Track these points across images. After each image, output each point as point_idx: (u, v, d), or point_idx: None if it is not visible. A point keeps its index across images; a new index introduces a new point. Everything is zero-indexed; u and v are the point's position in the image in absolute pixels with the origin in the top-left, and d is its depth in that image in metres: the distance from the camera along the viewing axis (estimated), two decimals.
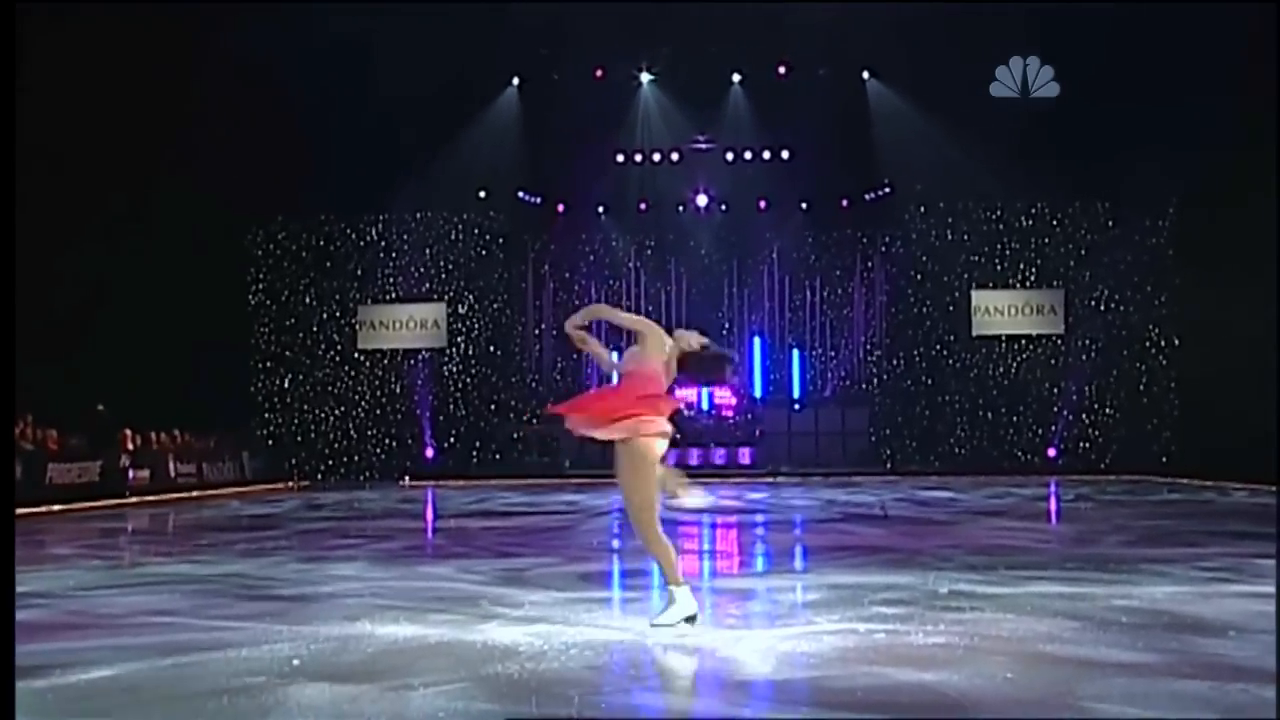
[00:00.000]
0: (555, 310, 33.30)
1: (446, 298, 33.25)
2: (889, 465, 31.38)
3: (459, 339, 33.25)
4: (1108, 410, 31.84)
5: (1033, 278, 32.66)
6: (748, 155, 32.16)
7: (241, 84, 26.10)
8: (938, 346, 32.79)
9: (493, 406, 33.05)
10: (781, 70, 30.82)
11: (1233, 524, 15.66)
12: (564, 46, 29.60)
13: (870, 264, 33.93)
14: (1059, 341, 32.46)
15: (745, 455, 31.88)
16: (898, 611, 8.12)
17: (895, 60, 29.92)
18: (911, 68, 29.45)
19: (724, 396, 32.46)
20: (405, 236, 33.08)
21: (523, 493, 24.02)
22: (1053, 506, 20.39)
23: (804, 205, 33.16)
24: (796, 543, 14.41)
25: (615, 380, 7.73)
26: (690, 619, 7.38)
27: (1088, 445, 31.70)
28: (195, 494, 25.00)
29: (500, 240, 33.32)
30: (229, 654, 6.87)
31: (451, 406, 32.97)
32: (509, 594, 9.16)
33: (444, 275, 33.21)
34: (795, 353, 33.90)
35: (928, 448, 32.21)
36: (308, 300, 32.99)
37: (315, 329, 33.02)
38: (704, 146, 32.38)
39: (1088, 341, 32.06)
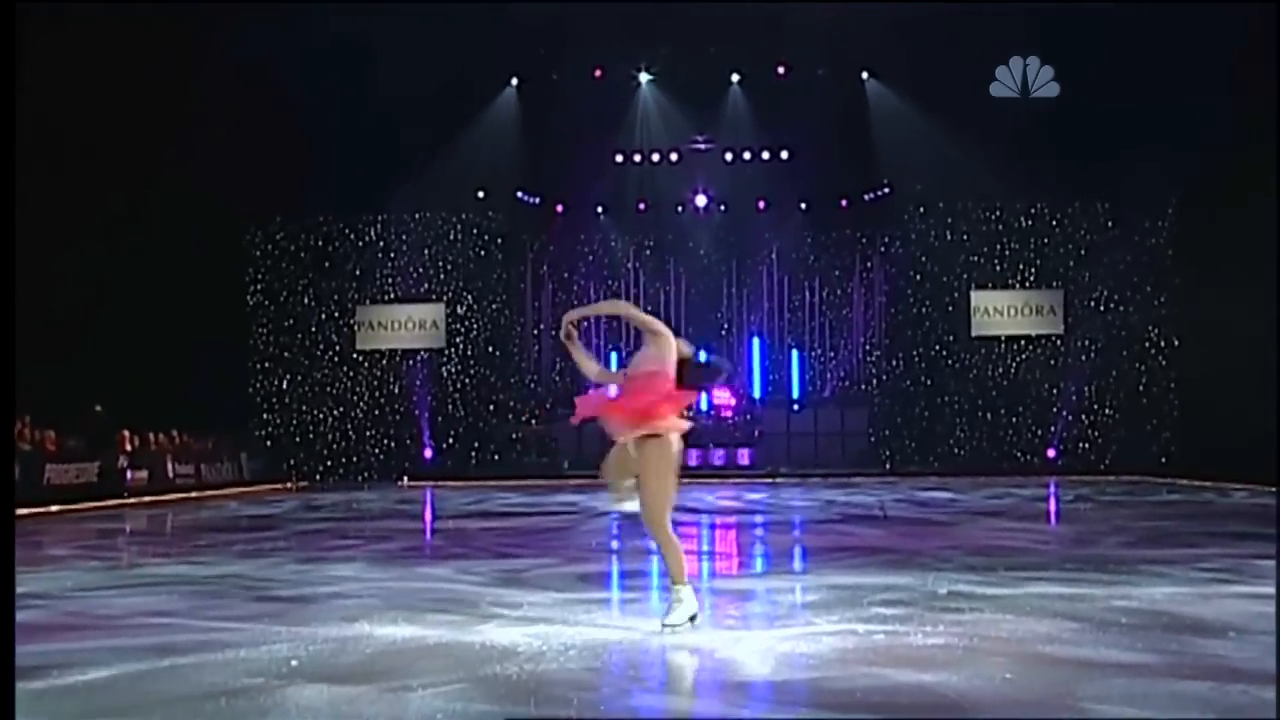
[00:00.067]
0: (554, 311, 33.29)
1: (445, 298, 33.22)
2: (888, 466, 31.36)
3: (458, 339, 33.23)
4: (1107, 411, 31.83)
5: (1032, 278, 32.65)
6: (747, 155, 32.16)
7: (240, 84, 26.09)
8: (937, 347, 32.77)
9: (491, 407, 33.03)
10: (781, 70, 30.82)
11: (1232, 525, 15.66)
12: (563, 46, 29.59)
13: (869, 264, 33.94)
14: (1058, 342, 32.45)
15: (744, 456, 31.85)
16: (897, 612, 8.11)
17: (895, 60, 29.92)
18: (911, 68, 29.44)
19: (723, 397, 32.44)
20: (404, 237, 33.05)
21: (521, 493, 24.00)
22: (1052, 507, 20.38)
23: (803, 205, 33.17)
24: (795, 543, 14.40)
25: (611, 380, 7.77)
26: (692, 618, 7.42)
27: (1087, 446, 31.68)
28: (193, 495, 24.99)
29: (499, 240, 33.29)
30: (227, 655, 6.87)
31: (450, 407, 32.94)
32: (508, 595, 9.16)
33: (443, 276, 33.18)
34: (794, 353, 33.91)
35: (927, 448, 32.19)
36: (306, 301, 32.97)
37: (314, 329, 33.00)
38: (703, 147, 32.37)
39: (1087, 342, 32.04)
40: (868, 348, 33.79)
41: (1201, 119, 25.42)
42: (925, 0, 26.88)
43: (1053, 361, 32.31)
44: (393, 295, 33.19)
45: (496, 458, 32.31)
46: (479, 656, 6.75)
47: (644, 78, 31.81)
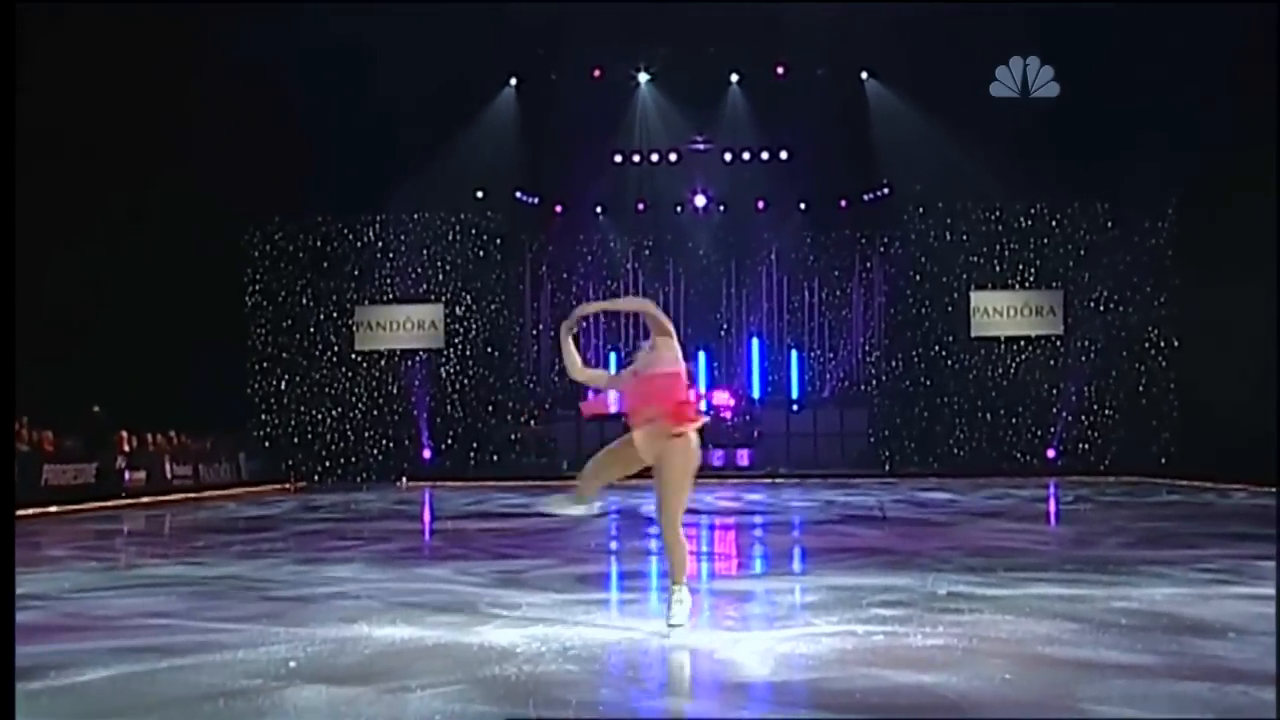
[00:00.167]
0: (553, 311, 33.32)
1: (444, 298, 33.20)
2: (887, 466, 31.35)
3: (456, 340, 33.21)
4: (1107, 411, 31.81)
5: (1032, 279, 32.63)
6: (746, 156, 32.15)
7: (239, 84, 26.07)
8: (936, 347, 32.75)
9: (490, 408, 33.01)
10: (780, 70, 30.80)
11: (1232, 525, 15.65)
12: (562, 46, 29.58)
13: (869, 265, 33.94)
14: (1058, 342, 32.43)
15: (743, 456, 31.84)
16: (896, 613, 8.11)
17: (894, 60, 29.91)
18: (911, 68, 29.43)
19: (722, 398, 32.43)
20: (402, 237, 33.02)
21: (520, 494, 23.97)
22: (1052, 508, 20.37)
23: (802, 206, 33.17)
24: (795, 544, 14.38)
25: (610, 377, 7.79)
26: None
27: (1087, 446, 31.66)
28: (192, 495, 24.96)
29: (498, 241, 33.27)
30: (225, 656, 6.86)
31: (449, 408, 32.93)
32: (506, 596, 9.15)
33: (441, 276, 33.16)
34: (794, 354, 33.92)
35: (926, 449, 32.18)
36: (305, 301, 32.94)
37: (312, 330, 32.97)
38: (702, 147, 32.37)
39: (1087, 342, 32.03)
40: (867, 348, 33.80)
41: (1201, 119, 25.43)
42: (925, 0, 26.87)
43: (1052, 362, 32.29)
44: (391, 296, 33.17)
45: (495, 458, 32.29)
46: (478, 657, 6.74)
47: (643, 78, 31.80)
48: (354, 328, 33.15)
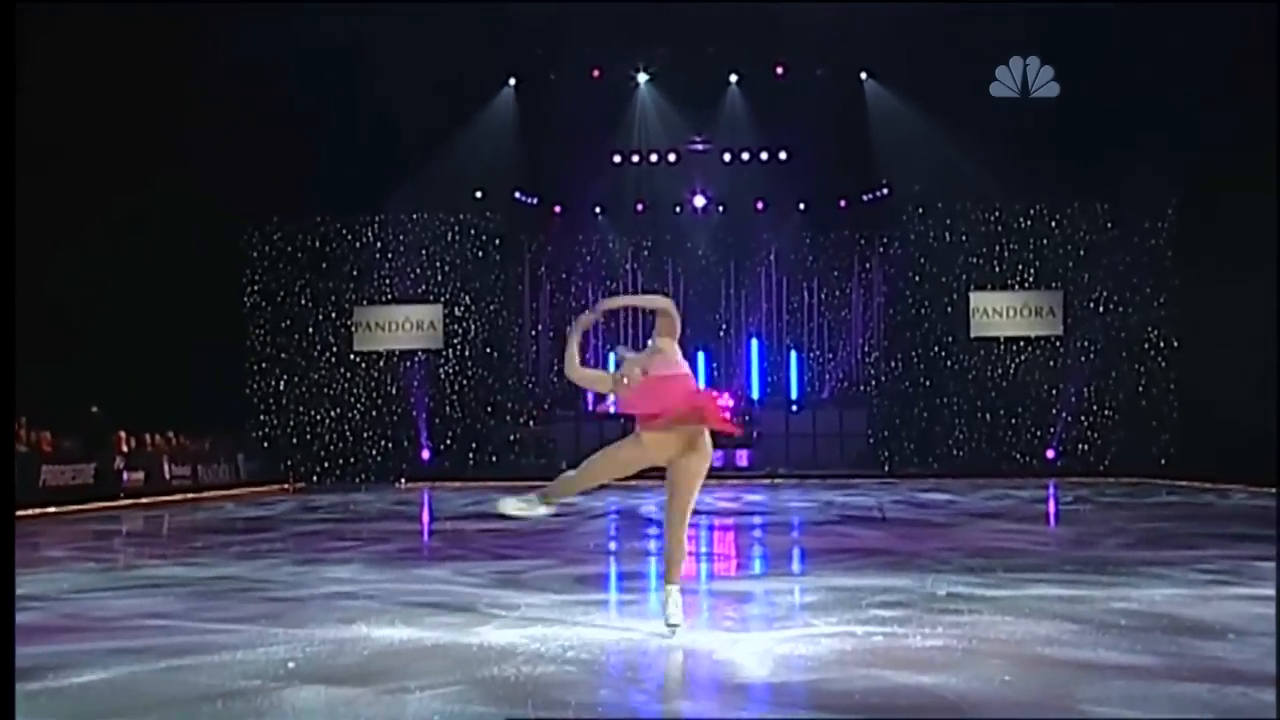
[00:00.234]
0: (552, 311, 33.35)
1: (443, 299, 33.19)
2: (887, 467, 31.35)
3: (455, 340, 33.20)
4: (1107, 412, 31.80)
5: (1031, 279, 32.62)
6: (745, 156, 32.15)
7: (237, 84, 26.07)
8: (936, 348, 32.74)
9: (489, 408, 33.00)
10: (779, 70, 30.80)
11: (1232, 526, 15.64)
12: (560, 46, 29.57)
13: (868, 265, 33.93)
14: (1058, 343, 32.42)
15: (742, 457, 31.81)
16: (896, 614, 8.09)
17: (893, 60, 29.90)
18: (910, 68, 29.43)
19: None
20: (401, 237, 33.01)
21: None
22: (1051, 509, 20.37)
23: (802, 206, 33.17)
24: (794, 545, 14.37)
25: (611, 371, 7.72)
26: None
27: (1086, 447, 31.66)
28: (190, 496, 24.96)
29: (497, 241, 33.26)
30: (224, 657, 6.84)
31: (448, 408, 32.92)
32: (505, 596, 9.13)
33: (440, 276, 33.15)
34: (793, 354, 33.92)
35: (926, 450, 32.17)
36: (303, 301, 32.93)
37: (311, 330, 32.96)
38: (701, 147, 32.37)
39: (1087, 343, 32.02)
40: (866, 349, 33.79)
41: (1201, 119, 25.43)
42: (925, 0, 26.86)
43: (1052, 363, 32.28)
44: (390, 296, 33.16)
45: (494, 459, 32.26)
46: (477, 658, 6.73)
47: (642, 78, 31.80)
48: (353, 328, 33.14)
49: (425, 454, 32.39)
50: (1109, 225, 32.01)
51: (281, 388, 32.79)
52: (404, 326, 33.14)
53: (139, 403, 25.00)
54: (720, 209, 33.37)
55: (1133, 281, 31.66)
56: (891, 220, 32.85)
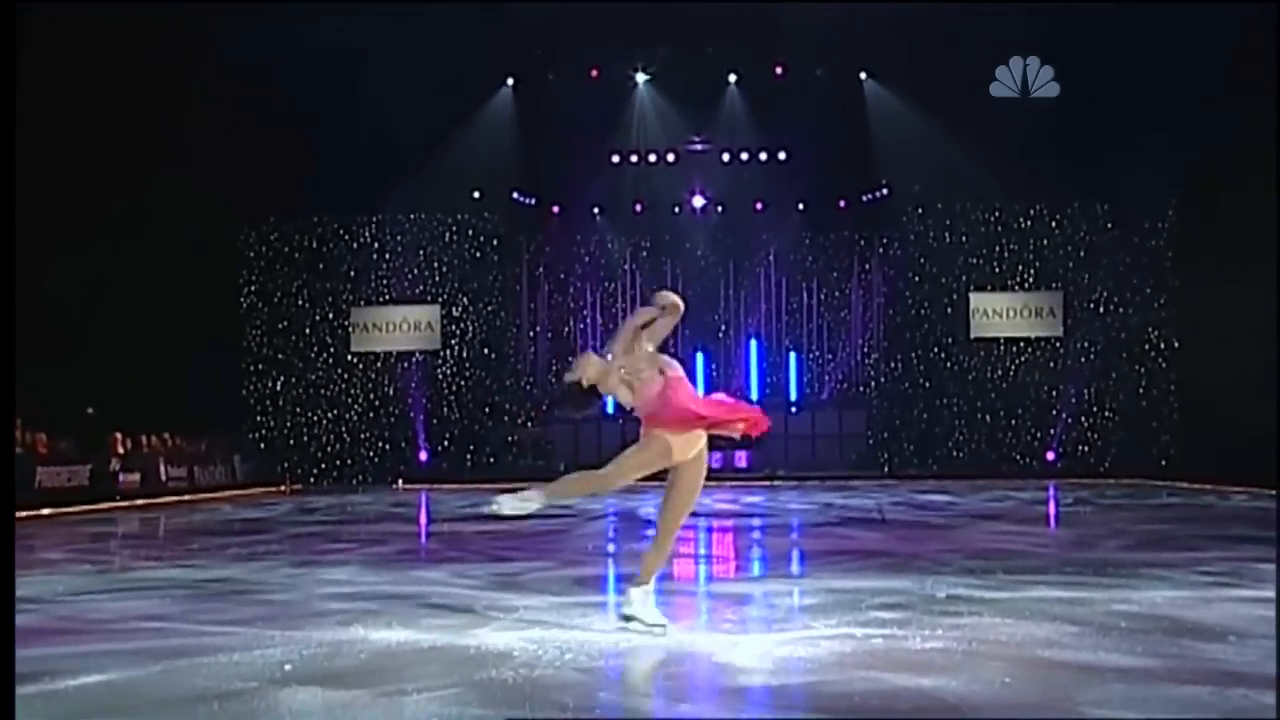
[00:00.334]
0: (550, 312, 33.33)
1: (440, 300, 33.18)
2: (886, 469, 31.34)
3: (453, 341, 33.18)
4: (1107, 413, 31.80)
5: (1031, 280, 32.63)
6: (744, 156, 32.15)
7: (235, 84, 26.04)
8: (936, 349, 32.74)
9: (487, 409, 32.98)
10: (778, 70, 30.80)
11: (1233, 528, 15.62)
12: (559, 46, 29.56)
13: (868, 266, 33.90)
14: (1058, 344, 32.42)
15: (741, 458, 31.78)
16: (895, 616, 8.06)
17: (893, 60, 29.90)
18: (910, 68, 29.43)
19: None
20: (399, 238, 33.00)
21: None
22: (1051, 510, 20.36)
23: (801, 206, 33.15)
24: (793, 547, 14.35)
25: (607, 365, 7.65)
26: (628, 618, 7.45)
27: (1087, 448, 31.66)
28: (186, 498, 24.93)
29: (495, 242, 33.25)
30: (220, 659, 6.82)
31: (445, 409, 32.90)
32: (503, 598, 9.11)
33: (438, 277, 33.14)
34: (792, 355, 33.88)
35: (926, 451, 32.17)
36: (300, 302, 32.92)
37: (308, 331, 32.95)
38: (700, 147, 32.36)
39: (1087, 344, 32.02)
40: (866, 350, 33.76)
41: (1201, 119, 25.43)
42: (925, 0, 26.85)
43: (1052, 364, 32.29)
44: (388, 297, 33.15)
45: (492, 460, 32.23)
46: (474, 660, 6.70)
47: (641, 78, 31.79)
48: (350, 329, 33.13)
49: (423, 455, 32.37)
50: (1109, 225, 32.01)
51: (278, 389, 32.77)
52: (401, 327, 33.12)
53: (135, 404, 24.98)
54: (719, 209, 33.35)
55: (1133, 282, 31.67)
56: (891, 220, 32.85)
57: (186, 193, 26.64)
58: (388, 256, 33.04)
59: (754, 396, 33.34)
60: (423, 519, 19.77)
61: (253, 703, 5.78)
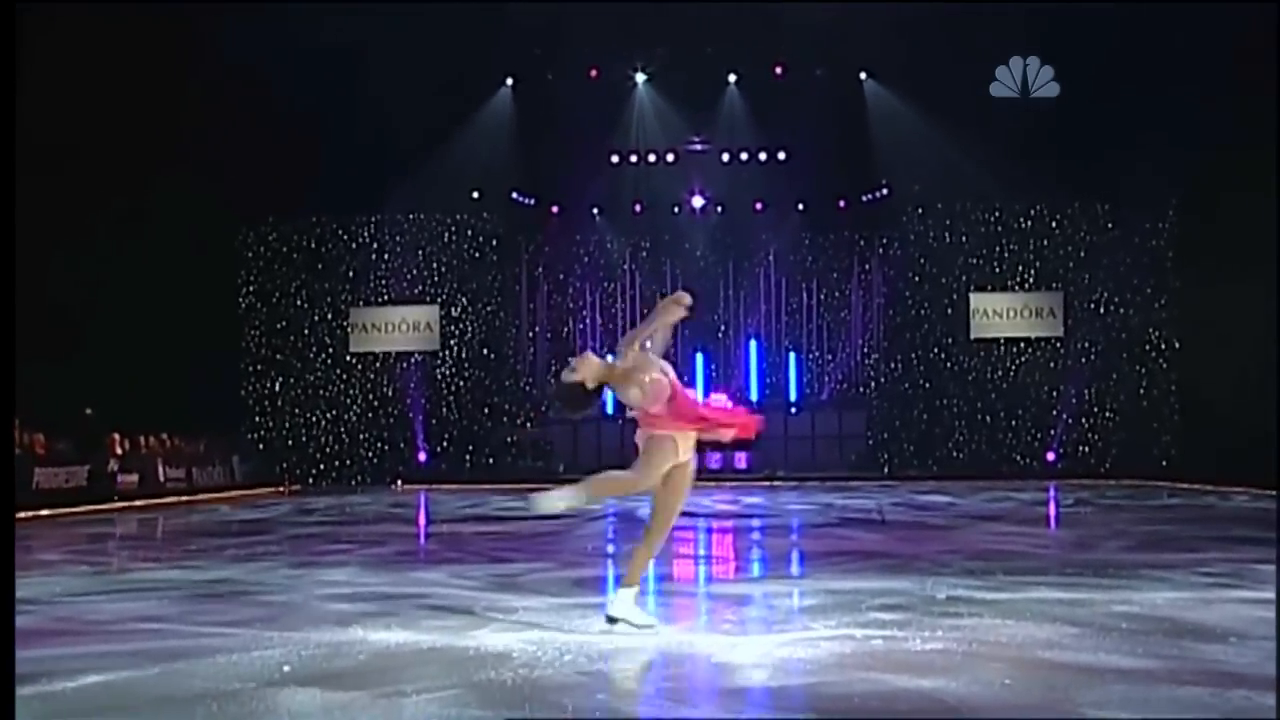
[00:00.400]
0: (549, 313, 33.32)
1: (439, 300, 33.18)
2: (886, 469, 31.33)
3: (452, 342, 33.18)
4: (1107, 414, 31.80)
5: (1032, 280, 32.64)
6: (744, 156, 32.15)
7: (234, 85, 26.04)
8: (936, 349, 32.74)
9: (486, 410, 32.98)
10: (778, 70, 30.80)
11: (1233, 529, 15.60)
12: (558, 46, 29.57)
13: (868, 266, 33.90)
14: (1058, 344, 32.43)
15: (741, 459, 31.76)
16: (895, 617, 8.05)
17: (893, 60, 29.90)
18: (910, 68, 29.42)
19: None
20: (398, 238, 33.00)
21: (516, 497, 23.87)
22: (1052, 511, 20.35)
23: (801, 206, 33.15)
24: (793, 547, 14.33)
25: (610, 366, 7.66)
26: (615, 620, 7.44)
27: (1087, 449, 31.66)
28: (184, 499, 24.90)
29: (494, 242, 33.26)
30: (218, 660, 6.80)
31: (444, 410, 32.89)
32: (502, 599, 9.09)
33: (437, 277, 33.14)
34: (792, 356, 33.87)
35: (925, 452, 32.17)
36: (299, 303, 32.92)
37: (306, 331, 32.94)
38: (699, 147, 32.35)
39: (1087, 344, 32.03)
40: (866, 350, 33.75)
41: (1201, 119, 25.43)
42: (925, 0, 26.85)
43: (1052, 364, 32.29)
44: (387, 297, 33.15)
45: (491, 461, 32.25)
46: (473, 662, 6.68)
47: (640, 78, 31.78)
48: (349, 329, 33.12)
49: (422, 456, 32.36)
50: (1109, 225, 32.03)
51: (277, 389, 32.77)
52: (400, 328, 33.12)
53: (133, 404, 24.97)
54: (719, 209, 33.34)
55: (1133, 282, 31.68)
56: (891, 221, 32.86)
57: (186, 193, 26.66)
58: (387, 257, 33.04)
59: (754, 397, 33.39)
60: (422, 520, 19.75)
61: (251, 704, 5.76)
